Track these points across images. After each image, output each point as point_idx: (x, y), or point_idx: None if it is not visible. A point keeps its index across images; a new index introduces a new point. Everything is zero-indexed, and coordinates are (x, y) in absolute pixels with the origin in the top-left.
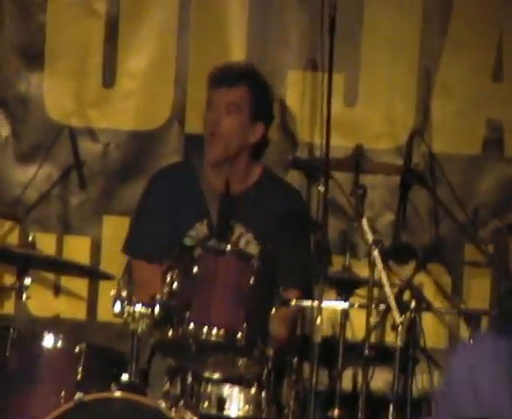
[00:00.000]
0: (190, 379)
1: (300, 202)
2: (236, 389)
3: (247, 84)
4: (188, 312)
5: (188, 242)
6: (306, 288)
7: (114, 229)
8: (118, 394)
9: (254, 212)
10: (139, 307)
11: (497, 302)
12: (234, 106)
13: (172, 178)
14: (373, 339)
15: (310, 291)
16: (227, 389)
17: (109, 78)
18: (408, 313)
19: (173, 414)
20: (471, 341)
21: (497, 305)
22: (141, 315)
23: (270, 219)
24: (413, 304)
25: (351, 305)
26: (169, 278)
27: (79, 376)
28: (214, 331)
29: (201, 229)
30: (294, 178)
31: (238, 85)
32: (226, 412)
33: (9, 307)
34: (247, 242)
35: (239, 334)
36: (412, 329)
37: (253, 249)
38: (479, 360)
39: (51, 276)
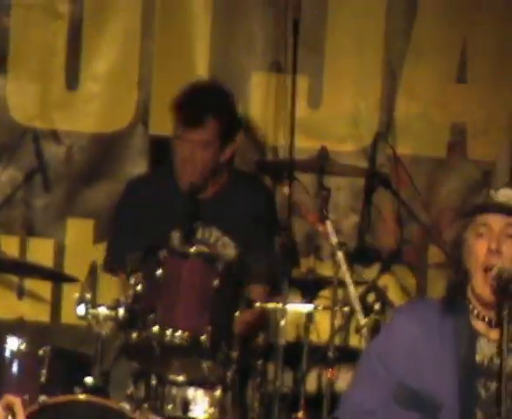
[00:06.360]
0: (154, 381)
1: (270, 196)
2: (200, 392)
3: (215, 115)
4: (152, 315)
5: None
6: (274, 284)
7: (78, 231)
8: (82, 396)
9: (228, 213)
10: (103, 310)
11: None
12: (205, 143)
13: (143, 189)
14: (337, 341)
15: (279, 288)
16: (192, 392)
17: (73, 81)
18: (372, 315)
19: (137, 416)
20: (417, 305)
21: (447, 286)
22: (106, 318)
23: (242, 218)
24: (378, 306)
25: (316, 308)
26: (133, 281)
27: (42, 379)
28: (178, 333)
29: (176, 237)
30: None
31: (207, 121)
32: (191, 414)
33: None
34: (224, 245)
35: (204, 337)
36: (377, 331)
37: (231, 251)
38: (424, 332)
39: (14, 278)
